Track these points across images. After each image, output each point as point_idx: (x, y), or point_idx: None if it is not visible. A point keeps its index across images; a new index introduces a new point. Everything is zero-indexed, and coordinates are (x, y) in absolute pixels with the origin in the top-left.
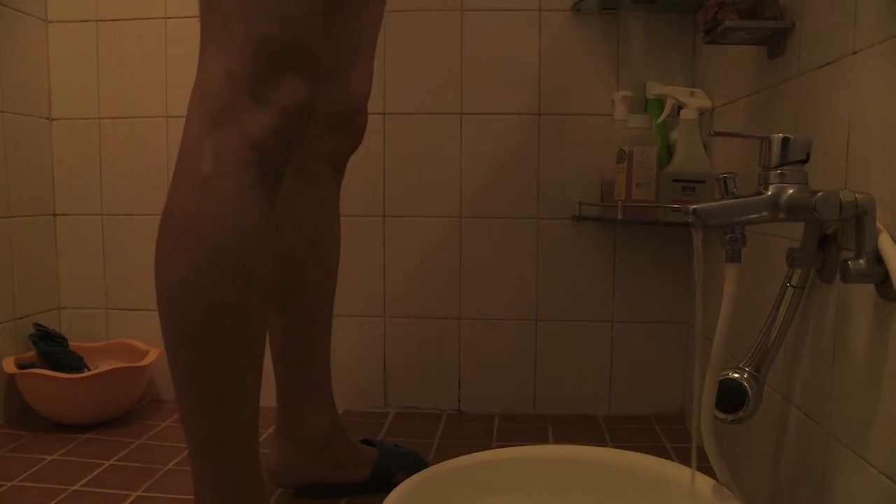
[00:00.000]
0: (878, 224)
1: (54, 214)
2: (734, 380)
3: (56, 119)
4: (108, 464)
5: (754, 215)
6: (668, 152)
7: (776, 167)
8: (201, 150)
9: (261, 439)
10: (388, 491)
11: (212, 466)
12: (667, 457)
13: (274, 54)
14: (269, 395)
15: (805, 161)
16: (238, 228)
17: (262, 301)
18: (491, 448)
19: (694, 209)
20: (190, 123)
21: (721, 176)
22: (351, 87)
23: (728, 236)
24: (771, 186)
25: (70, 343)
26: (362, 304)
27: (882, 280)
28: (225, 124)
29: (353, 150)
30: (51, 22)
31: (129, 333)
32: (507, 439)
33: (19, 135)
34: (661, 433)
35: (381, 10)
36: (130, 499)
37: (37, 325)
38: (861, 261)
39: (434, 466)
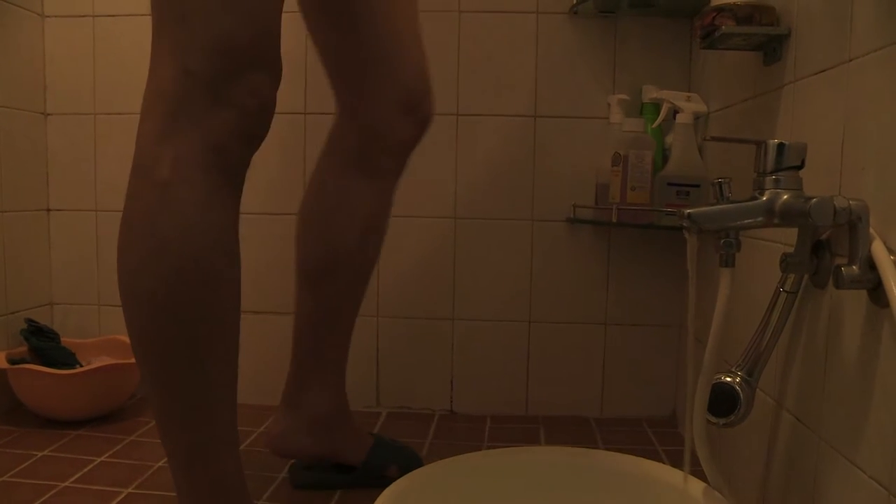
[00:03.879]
0: (871, 231)
1: (48, 210)
2: (726, 384)
3: (51, 114)
4: (99, 460)
5: (749, 220)
6: (663, 156)
7: (771, 173)
8: (158, 154)
9: (254, 437)
10: (380, 484)
11: (192, 476)
12: (658, 460)
13: (235, 51)
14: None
15: (800, 167)
16: (202, 234)
17: (235, 304)
18: (482, 449)
19: (688, 213)
20: (144, 126)
21: (716, 181)
22: (405, 76)
23: (722, 241)
24: (766, 192)
25: (62, 339)
26: None
27: (875, 286)
28: (183, 126)
29: (417, 141)
30: (47, 17)
31: (121, 330)
32: (499, 440)
33: (14, 129)
34: (653, 436)
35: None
36: (121, 496)
37: (29, 321)
38: (854, 267)
39: (425, 467)
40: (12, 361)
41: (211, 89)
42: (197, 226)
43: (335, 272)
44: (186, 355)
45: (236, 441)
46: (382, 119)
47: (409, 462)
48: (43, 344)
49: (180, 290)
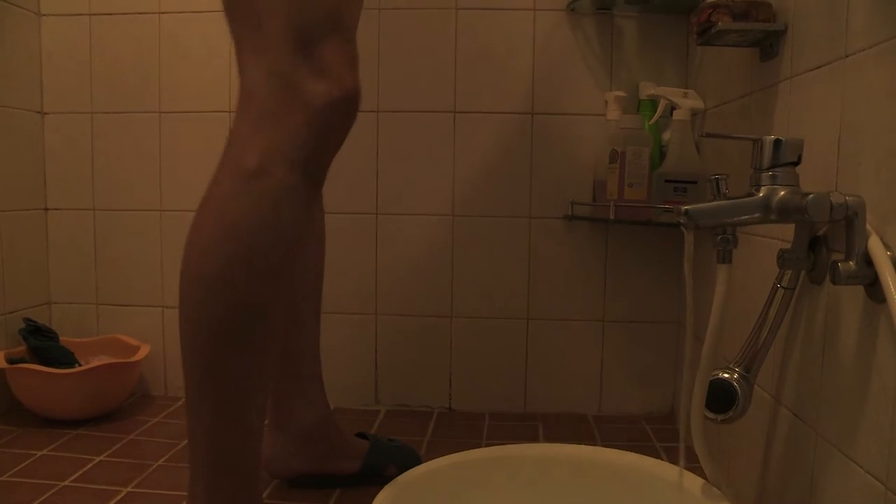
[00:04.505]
0: (867, 226)
1: (45, 209)
2: (724, 380)
3: (48, 113)
4: (98, 459)
5: (745, 216)
6: (660, 153)
7: (768, 169)
8: (247, 147)
9: None
10: (380, 483)
11: (213, 457)
12: (657, 456)
13: (315, 49)
14: None
15: (796, 163)
16: (275, 228)
17: (284, 300)
18: (481, 446)
19: (686, 210)
20: (237, 125)
21: (713, 177)
22: None
23: (719, 237)
24: (762, 188)
25: (61, 338)
26: (354, 301)
27: (871, 282)
28: (271, 125)
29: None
30: (43, 15)
31: (120, 329)
32: (498, 438)
33: (11, 128)
34: (652, 433)
35: None
36: (121, 495)
37: (27, 320)
38: (851, 263)
39: (424, 464)
40: (11, 361)
41: (294, 88)
42: (272, 219)
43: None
44: (232, 340)
45: (261, 431)
46: None
47: (408, 460)
48: (41, 343)
49: (239, 277)
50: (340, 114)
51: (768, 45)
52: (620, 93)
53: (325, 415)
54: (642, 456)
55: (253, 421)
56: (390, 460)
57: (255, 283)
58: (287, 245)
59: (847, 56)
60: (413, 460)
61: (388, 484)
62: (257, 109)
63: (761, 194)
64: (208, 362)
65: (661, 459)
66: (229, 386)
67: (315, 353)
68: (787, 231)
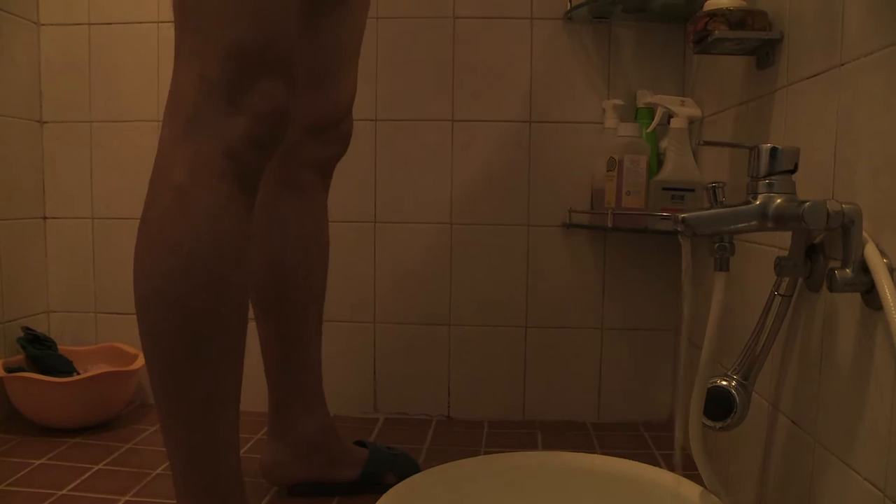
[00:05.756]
0: (864, 234)
1: (44, 217)
2: (722, 387)
3: (47, 122)
4: (96, 468)
5: (743, 224)
6: (657, 161)
7: (764, 177)
8: (176, 158)
9: (252, 443)
10: (379, 491)
11: (192, 475)
12: (655, 464)
13: (248, 57)
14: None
15: (793, 171)
16: (213, 237)
17: (241, 309)
18: (480, 454)
19: (683, 218)
20: (165, 130)
21: (710, 185)
22: (337, 95)
23: (717, 245)
24: (759, 196)
25: (59, 347)
26: (352, 309)
27: (868, 289)
28: (199, 131)
29: (339, 157)
30: (42, 25)
31: (118, 337)
32: (497, 446)
33: (10, 137)
34: (650, 440)
35: (365, 17)
36: (119, 503)
37: (25, 329)
38: (848, 270)
39: (423, 473)
40: (9, 369)
41: (225, 95)
42: (208, 229)
43: (285, 294)
44: (191, 356)
45: (237, 444)
46: (303, 135)
47: (406, 468)
48: (40, 352)
49: (188, 292)
50: (268, 127)
51: (765, 53)
52: (618, 101)
53: (324, 423)
54: (641, 464)
55: (226, 434)
56: (389, 468)
57: (201, 295)
58: (229, 254)
59: (843, 64)
60: (412, 469)
61: (388, 491)
62: (186, 114)
63: (758, 202)
64: (170, 379)
65: (660, 467)
66: (194, 402)
67: (315, 363)
68: (784, 239)
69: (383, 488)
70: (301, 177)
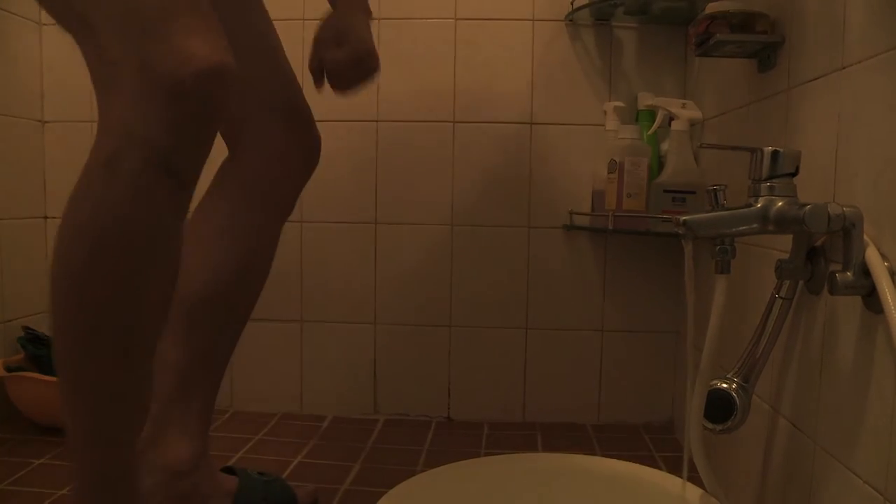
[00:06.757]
0: (865, 237)
1: (45, 217)
2: (723, 390)
3: (48, 122)
4: None
5: (744, 227)
6: (658, 163)
7: (766, 180)
8: (101, 142)
9: (252, 443)
10: None
11: (81, 462)
12: (656, 466)
13: (153, 23)
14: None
15: (794, 174)
16: (122, 226)
17: (151, 309)
18: (480, 456)
19: (684, 220)
20: (100, 113)
21: (711, 188)
22: (284, 94)
23: (718, 247)
24: (760, 199)
25: None
26: (353, 310)
27: (869, 293)
28: (128, 106)
29: (306, 177)
30: (44, 24)
31: None
32: (497, 447)
33: (11, 137)
34: (650, 442)
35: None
36: None
37: (26, 328)
38: (848, 273)
39: (423, 474)
40: (9, 369)
41: (144, 68)
42: (116, 217)
43: (215, 306)
44: (86, 350)
45: (130, 442)
46: (270, 145)
47: (280, 496)
48: (40, 352)
49: (85, 281)
50: (198, 95)
51: (766, 56)
52: (619, 103)
53: (198, 452)
54: (641, 466)
55: (114, 433)
56: (263, 497)
57: (101, 288)
58: (139, 246)
59: (844, 67)
60: (286, 495)
61: (386, 495)
62: (108, 98)
63: (759, 205)
64: (64, 367)
65: (660, 469)
66: (82, 394)
67: (213, 388)
68: (785, 241)
69: None
70: (266, 195)
